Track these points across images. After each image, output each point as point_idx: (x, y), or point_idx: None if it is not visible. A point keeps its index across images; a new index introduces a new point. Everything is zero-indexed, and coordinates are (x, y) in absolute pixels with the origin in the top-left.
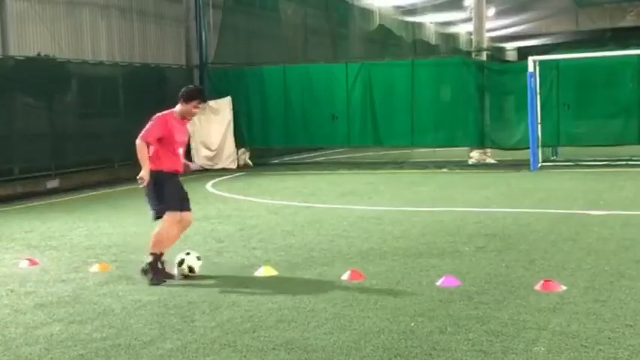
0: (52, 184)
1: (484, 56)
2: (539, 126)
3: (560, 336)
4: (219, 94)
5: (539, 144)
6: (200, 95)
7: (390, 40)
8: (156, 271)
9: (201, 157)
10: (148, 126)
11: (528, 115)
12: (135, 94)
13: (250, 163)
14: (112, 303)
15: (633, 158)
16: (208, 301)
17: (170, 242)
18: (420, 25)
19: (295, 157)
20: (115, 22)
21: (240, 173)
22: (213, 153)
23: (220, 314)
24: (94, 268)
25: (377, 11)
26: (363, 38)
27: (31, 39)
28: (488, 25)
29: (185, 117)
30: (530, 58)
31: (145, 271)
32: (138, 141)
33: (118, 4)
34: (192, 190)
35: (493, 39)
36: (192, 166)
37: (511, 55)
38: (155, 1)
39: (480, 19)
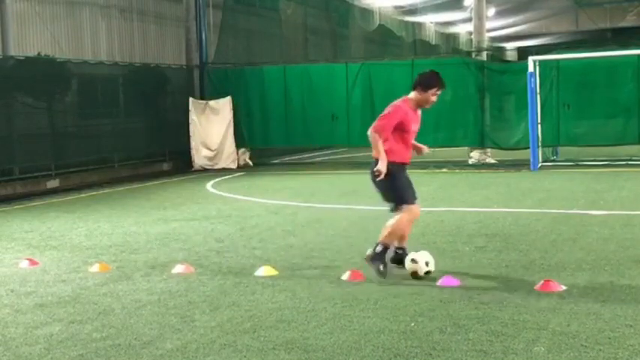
0: (52, 184)
1: (484, 56)
2: (539, 126)
3: (560, 336)
4: (219, 94)
5: (539, 144)
6: (439, 82)
7: (390, 40)
8: (383, 262)
9: (201, 157)
10: (382, 116)
11: (528, 115)
12: (135, 94)
13: (250, 163)
14: (112, 303)
15: (633, 158)
16: (208, 301)
17: (400, 235)
18: (420, 25)
19: (295, 157)
20: (115, 22)
21: (240, 173)
22: (214, 153)
23: (220, 314)
24: (94, 268)
25: (377, 11)
26: (363, 38)
27: (31, 39)
28: (488, 25)
29: (421, 105)
30: (530, 58)
31: (371, 259)
32: (370, 131)
33: (118, 4)
34: (192, 190)
35: (493, 39)
36: (425, 149)
37: (511, 55)
38: (155, 1)
39: (480, 19)
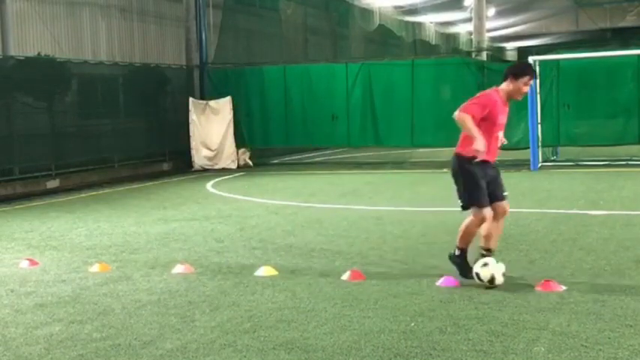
0: (52, 184)
1: (484, 56)
2: (539, 126)
3: (560, 336)
4: (219, 94)
5: (539, 144)
6: (531, 70)
7: (390, 40)
8: (463, 266)
9: (201, 157)
10: (471, 100)
11: (528, 115)
12: (135, 94)
13: (250, 163)
14: (112, 303)
15: (633, 158)
16: (208, 301)
17: (472, 237)
18: (420, 25)
19: (295, 157)
20: (115, 22)
21: (240, 173)
22: (214, 153)
23: (220, 314)
24: (94, 268)
25: (377, 11)
26: (363, 38)
27: (31, 39)
28: (488, 25)
29: (512, 96)
30: (530, 58)
31: (455, 263)
32: (457, 113)
33: (118, 4)
34: (192, 190)
35: (493, 39)
36: (502, 140)
37: (511, 55)
38: (155, 1)
39: (480, 19)
